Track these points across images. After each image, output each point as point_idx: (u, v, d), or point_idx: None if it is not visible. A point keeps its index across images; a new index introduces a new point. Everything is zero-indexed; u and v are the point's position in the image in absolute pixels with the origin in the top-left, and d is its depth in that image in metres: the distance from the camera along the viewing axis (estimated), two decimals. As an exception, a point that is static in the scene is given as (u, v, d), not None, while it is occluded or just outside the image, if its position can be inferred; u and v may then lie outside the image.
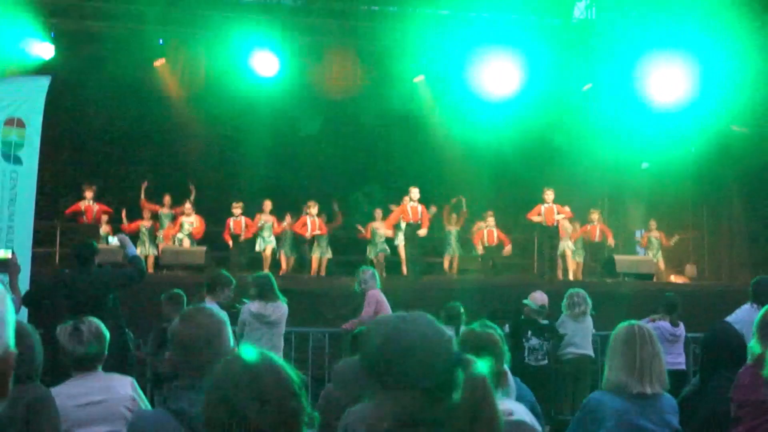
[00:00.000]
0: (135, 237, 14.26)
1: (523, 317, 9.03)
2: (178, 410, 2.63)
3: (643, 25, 14.76)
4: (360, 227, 15.26)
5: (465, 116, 15.86)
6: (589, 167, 16.07)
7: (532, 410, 3.51)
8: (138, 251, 9.34)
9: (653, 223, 16.16)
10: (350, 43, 15.26)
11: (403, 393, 1.69)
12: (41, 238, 12.97)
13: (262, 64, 14.62)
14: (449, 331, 1.83)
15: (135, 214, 15.19)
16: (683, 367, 9.10)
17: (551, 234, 14.94)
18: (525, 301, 9.00)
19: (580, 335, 9.36)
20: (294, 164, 17.38)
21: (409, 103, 15.92)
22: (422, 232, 14.40)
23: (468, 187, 16.16)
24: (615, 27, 15.45)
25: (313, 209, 14.82)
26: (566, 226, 15.17)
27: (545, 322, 8.99)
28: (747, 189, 16.20)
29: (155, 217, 15.20)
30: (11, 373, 1.46)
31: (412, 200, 14.53)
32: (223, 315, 2.92)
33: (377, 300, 8.50)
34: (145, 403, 4.07)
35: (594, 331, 9.50)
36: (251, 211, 15.20)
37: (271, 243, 14.97)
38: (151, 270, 13.71)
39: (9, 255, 6.42)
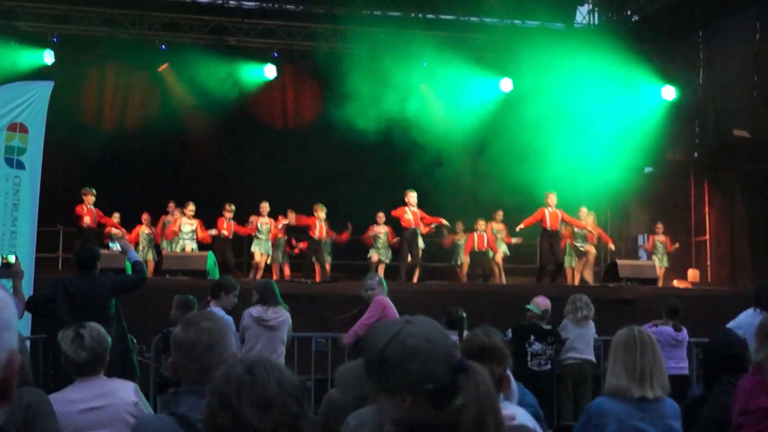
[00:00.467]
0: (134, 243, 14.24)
1: (525, 322, 9.03)
2: (181, 415, 2.63)
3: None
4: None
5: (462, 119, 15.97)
6: (591, 170, 16.08)
7: (535, 415, 3.50)
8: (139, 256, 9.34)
9: (660, 227, 16.03)
10: None
11: (406, 396, 1.70)
12: (44, 243, 12.98)
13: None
14: (452, 336, 1.83)
15: (134, 220, 15.15)
16: (686, 372, 9.09)
17: (552, 237, 14.84)
18: (528, 306, 9.00)
19: (582, 340, 9.35)
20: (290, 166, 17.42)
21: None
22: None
23: (471, 193, 16.23)
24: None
25: (321, 213, 14.74)
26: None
27: (548, 326, 8.99)
28: (751, 193, 16.19)
29: (155, 223, 15.16)
30: (16, 377, 1.46)
31: (411, 205, 14.50)
32: (227, 320, 2.93)
33: (384, 306, 8.43)
34: (147, 409, 4.07)
35: (596, 336, 9.49)
36: (248, 213, 15.10)
37: (267, 249, 14.87)
38: (151, 275, 13.68)
39: (12, 260, 6.43)
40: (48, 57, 16.32)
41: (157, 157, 17.31)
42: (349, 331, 8.43)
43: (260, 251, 14.81)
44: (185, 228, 14.69)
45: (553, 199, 14.68)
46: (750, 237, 16.39)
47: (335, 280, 14.38)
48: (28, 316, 7.46)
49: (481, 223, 15.36)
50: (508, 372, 3.43)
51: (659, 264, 15.56)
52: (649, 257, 16.00)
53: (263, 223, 14.83)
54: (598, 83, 16.35)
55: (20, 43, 16.29)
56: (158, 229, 15.09)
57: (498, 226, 15.69)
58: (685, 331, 9.12)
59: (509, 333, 8.73)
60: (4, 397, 1.45)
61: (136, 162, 17.26)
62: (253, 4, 18.53)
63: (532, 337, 8.82)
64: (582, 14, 19.91)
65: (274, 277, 14.27)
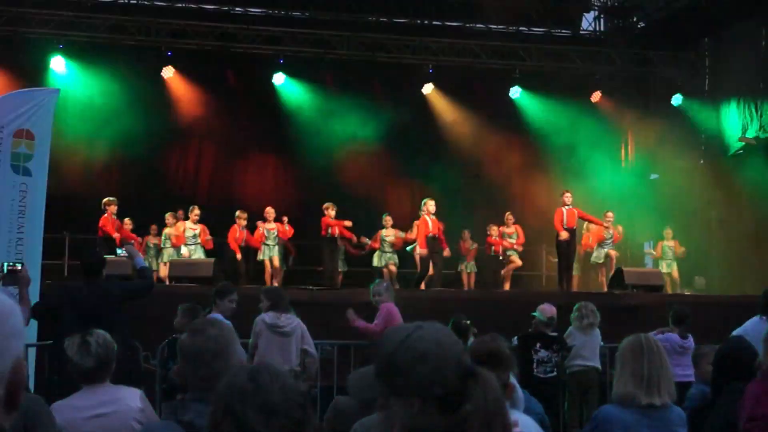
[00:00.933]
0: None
1: (531, 329, 9.01)
2: (187, 422, 2.63)
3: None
4: (365, 239, 15.16)
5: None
6: (598, 177, 16.08)
7: (541, 423, 3.50)
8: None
9: (669, 232, 15.96)
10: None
11: (414, 401, 1.70)
12: (50, 250, 13.01)
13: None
14: (460, 343, 1.83)
15: (141, 227, 15.16)
16: (692, 379, 9.04)
17: (571, 235, 14.60)
18: (534, 314, 8.99)
19: (588, 347, 9.33)
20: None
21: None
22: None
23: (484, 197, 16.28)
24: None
25: (332, 211, 14.64)
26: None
27: (554, 334, 8.98)
28: (758, 200, 16.15)
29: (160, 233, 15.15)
30: (24, 384, 1.46)
31: (430, 213, 14.34)
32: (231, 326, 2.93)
33: (390, 313, 8.43)
34: (154, 415, 4.07)
35: (602, 343, 9.46)
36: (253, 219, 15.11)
37: (276, 253, 14.88)
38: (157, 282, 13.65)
39: (19, 267, 6.43)
40: (59, 64, 16.40)
41: (163, 163, 17.33)
42: (361, 322, 8.45)
43: (272, 257, 14.79)
44: (188, 233, 14.68)
45: (569, 197, 14.61)
46: (757, 243, 16.33)
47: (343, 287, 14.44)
48: (33, 323, 7.45)
49: (493, 229, 15.39)
50: (513, 380, 3.43)
51: (667, 269, 15.51)
52: (656, 264, 15.95)
53: (269, 228, 14.83)
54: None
55: (27, 50, 16.34)
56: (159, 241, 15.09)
57: (509, 230, 15.64)
58: (691, 338, 9.08)
59: (515, 340, 8.72)
60: (11, 404, 1.45)
61: (142, 169, 17.30)
62: (259, 11, 18.58)
63: (538, 345, 8.80)
64: (588, 21, 19.94)
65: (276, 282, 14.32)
